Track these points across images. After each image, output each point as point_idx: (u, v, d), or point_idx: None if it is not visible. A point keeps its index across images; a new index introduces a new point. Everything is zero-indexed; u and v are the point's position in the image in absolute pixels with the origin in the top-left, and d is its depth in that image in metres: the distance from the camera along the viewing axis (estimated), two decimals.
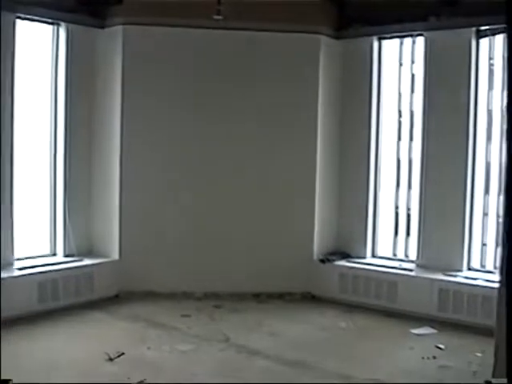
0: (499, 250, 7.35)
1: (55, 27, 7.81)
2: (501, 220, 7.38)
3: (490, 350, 5.97)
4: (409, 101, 8.24)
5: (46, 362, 5.83)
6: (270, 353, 6.28)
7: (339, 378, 5.67)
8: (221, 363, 6.04)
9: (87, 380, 5.45)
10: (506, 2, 3.59)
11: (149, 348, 6.33)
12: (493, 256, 7.56)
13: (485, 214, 7.67)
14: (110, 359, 5.93)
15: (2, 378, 4.77)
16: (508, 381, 3.80)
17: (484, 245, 7.67)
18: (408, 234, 8.29)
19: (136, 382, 5.37)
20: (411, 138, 8.20)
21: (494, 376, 4.16)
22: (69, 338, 6.63)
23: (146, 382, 5.38)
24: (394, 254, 8.36)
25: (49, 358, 5.98)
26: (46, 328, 6.83)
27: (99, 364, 5.84)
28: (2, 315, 6.45)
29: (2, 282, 6.71)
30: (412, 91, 8.18)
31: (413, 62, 8.16)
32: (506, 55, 3.61)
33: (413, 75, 8.17)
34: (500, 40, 7.41)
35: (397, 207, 8.41)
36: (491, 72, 7.56)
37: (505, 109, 3.83)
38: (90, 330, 6.96)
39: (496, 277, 7.20)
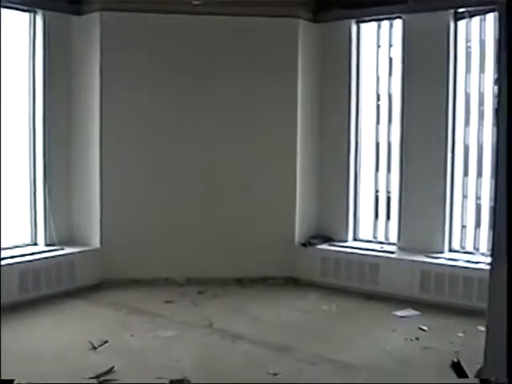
0: (479, 231, 7.48)
1: (31, 14, 7.72)
2: (482, 202, 7.49)
3: (472, 330, 6.07)
4: (387, 84, 8.25)
5: (29, 352, 5.80)
6: (254, 337, 6.30)
7: (322, 360, 5.70)
8: (204, 348, 6.05)
9: (71, 370, 5.42)
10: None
11: (132, 335, 6.32)
12: (472, 237, 7.62)
13: (464, 196, 7.72)
14: (94, 348, 5.92)
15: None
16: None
17: (464, 226, 7.72)
18: (388, 217, 8.32)
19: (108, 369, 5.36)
20: (390, 122, 8.22)
21: (481, 373, 4.18)
22: (51, 328, 6.61)
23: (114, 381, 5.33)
24: (375, 237, 8.39)
25: (31, 347, 5.95)
26: (28, 318, 6.80)
27: (83, 353, 5.83)
28: None
29: None
30: (390, 74, 8.20)
31: (391, 46, 8.17)
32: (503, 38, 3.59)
33: (391, 58, 8.18)
34: (477, 22, 7.44)
35: (377, 190, 8.44)
36: (469, 54, 7.59)
37: (495, 91, 3.84)
38: (72, 318, 6.93)
39: (476, 258, 7.31)
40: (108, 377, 5.27)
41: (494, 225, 3.97)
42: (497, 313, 3.93)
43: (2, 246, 7.42)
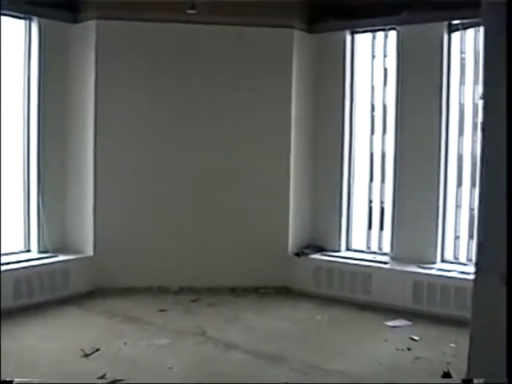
0: (472, 242, 7.50)
1: (27, 22, 7.75)
2: (475, 213, 7.50)
3: (464, 340, 6.03)
4: (382, 94, 8.29)
5: (21, 359, 5.80)
6: (247, 346, 6.31)
7: (314, 369, 5.71)
8: (197, 357, 6.06)
9: (62, 377, 5.40)
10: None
11: (125, 343, 6.32)
12: (466, 248, 7.64)
13: (458, 207, 7.75)
14: (86, 355, 5.92)
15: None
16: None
17: (457, 237, 7.75)
18: (382, 227, 8.34)
19: (110, 380, 5.36)
20: (384, 132, 8.25)
21: (468, 375, 4.19)
22: (44, 335, 6.60)
23: (121, 381, 5.36)
24: (368, 247, 8.41)
25: (23, 354, 5.95)
26: (21, 324, 6.79)
27: (75, 360, 5.82)
28: None
29: None
30: (385, 85, 8.23)
31: (385, 56, 8.21)
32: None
33: (385, 69, 8.22)
34: (471, 34, 7.49)
35: (370, 201, 8.47)
36: (463, 66, 7.63)
37: (481, 102, 3.84)
38: (65, 326, 6.93)
39: (469, 268, 7.30)
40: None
41: (478, 236, 4.00)
42: (481, 322, 3.96)
43: None
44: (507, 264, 3.65)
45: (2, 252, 7.55)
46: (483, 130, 3.76)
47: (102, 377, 5.39)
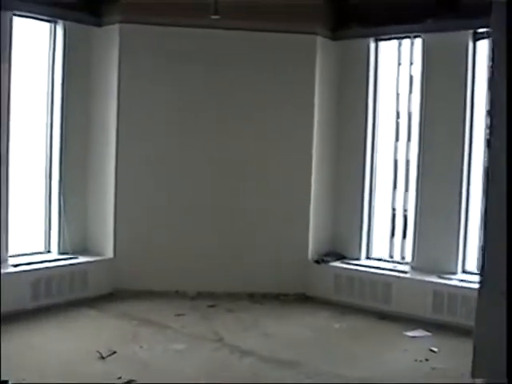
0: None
1: (52, 25, 7.81)
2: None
3: None
4: (407, 102, 8.23)
5: (37, 360, 5.82)
6: (263, 353, 6.27)
7: (331, 378, 5.66)
8: (212, 363, 6.03)
9: (78, 379, 5.42)
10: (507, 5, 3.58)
11: (141, 347, 6.32)
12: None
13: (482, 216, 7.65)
14: (102, 358, 5.92)
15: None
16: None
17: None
18: (404, 235, 8.27)
19: (125, 381, 5.36)
20: (409, 139, 8.19)
21: (473, 376, 4.16)
22: (61, 336, 6.62)
23: (135, 382, 5.36)
24: (391, 256, 8.35)
25: (40, 355, 5.96)
26: (39, 325, 6.82)
27: (91, 362, 5.83)
28: None
29: None
30: (410, 92, 8.17)
31: (411, 64, 8.15)
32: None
33: (411, 76, 8.16)
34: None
35: (394, 209, 8.40)
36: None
37: (487, 122, 3.80)
38: (82, 328, 6.95)
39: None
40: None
41: (483, 248, 3.95)
42: (485, 329, 3.94)
43: (16, 253, 7.51)
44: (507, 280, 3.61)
45: (22, 252, 7.64)
46: (489, 146, 3.72)
47: (118, 379, 5.39)
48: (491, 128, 3.66)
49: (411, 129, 8.16)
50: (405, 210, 8.30)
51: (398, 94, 8.34)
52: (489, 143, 3.65)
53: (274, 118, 8.30)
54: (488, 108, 3.65)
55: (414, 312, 7.43)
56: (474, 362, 4.12)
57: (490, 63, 3.78)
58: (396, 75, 8.32)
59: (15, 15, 7.24)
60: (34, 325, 6.81)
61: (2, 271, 6.99)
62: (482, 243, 3.94)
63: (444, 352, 6.43)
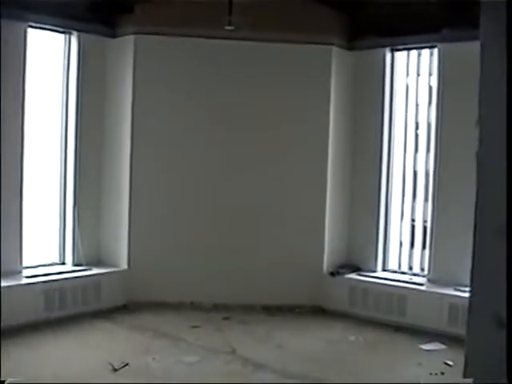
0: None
1: (67, 36, 7.84)
2: None
3: None
4: (426, 113, 8.18)
5: (50, 372, 5.79)
6: (276, 366, 6.22)
7: None
8: (225, 376, 5.98)
9: None
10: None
11: (154, 359, 6.29)
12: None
13: None
14: (114, 370, 5.90)
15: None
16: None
17: None
18: (424, 247, 8.18)
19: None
20: (428, 150, 8.13)
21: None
22: (74, 348, 6.61)
23: None
24: (410, 267, 8.28)
25: (52, 367, 5.95)
26: (52, 337, 6.81)
27: (103, 374, 5.81)
28: (7, 323, 6.45)
29: (8, 290, 6.71)
30: (429, 103, 8.11)
31: (430, 74, 8.10)
32: None
33: (430, 87, 8.11)
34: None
35: (413, 220, 8.33)
36: None
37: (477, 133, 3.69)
38: (96, 339, 6.94)
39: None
40: None
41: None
42: (477, 337, 3.85)
43: (30, 264, 7.51)
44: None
45: (36, 263, 7.64)
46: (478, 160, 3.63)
47: None
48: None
49: (430, 140, 8.09)
50: (424, 221, 8.22)
51: (417, 105, 8.27)
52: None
53: (290, 127, 8.26)
54: (477, 119, 3.57)
55: (429, 325, 7.35)
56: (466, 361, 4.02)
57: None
58: (415, 86, 8.26)
59: (30, 27, 7.27)
60: (47, 336, 6.80)
61: (16, 282, 7.00)
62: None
63: (459, 366, 6.30)
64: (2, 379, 4.87)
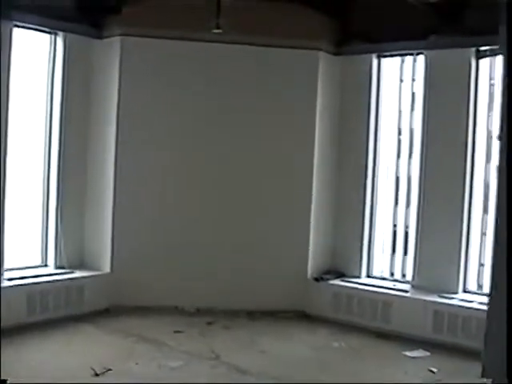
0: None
1: (52, 36, 7.77)
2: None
3: None
4: (409, 118, 8.18)
5: (30, 376, 5.69)
6: (260, 371, 6.19)
7: None
8: (208, 381, 5.94)
9: None
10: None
11: (137, 363, 6.24)
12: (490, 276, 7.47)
13: (483, 234, 7.59)
14: (96, 375, 5.84)
15: None
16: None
17: (482, 265, 7.57)
18: (406, 252, 8.19)
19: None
20: (410, 156, 8.14)
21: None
22: (56, 352, 6.53)
23: None
24: (392, 273, 8.27)
25: (33, 371, 5.86)
26: (34, 341, 6.73)
27: (84, 379, 5.74)
28: None
29: None
30: (412, 109, 8.12)
31: (413, 80, 8.11)
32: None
33: (413, 93, 8.12)
34: (500, 60, 7.37)
35: (394, 225, 8.33)
36: (491, 92, 7.51)
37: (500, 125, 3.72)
38: (78, 343, 6.86)
39: None
40: None
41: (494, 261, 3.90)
42: (494, 337, 3.89)
43: (11, 267, 7.43)
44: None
45: (18, 266, 7.56)
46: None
47: None
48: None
49: (413, 146, 8.11)
50: (406, 227, 8.22)
51: (400, 111, 8.28)
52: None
53: (276, 131, 8.25)
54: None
55: (413, 331, 7.34)
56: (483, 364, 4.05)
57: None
58: (398, 92, 8.27)
59: (15, 26, 7.20)
60: (30, 340, 6.72)
61: None
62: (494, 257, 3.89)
63: (443, 373, 6.33)
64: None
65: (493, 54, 7.35)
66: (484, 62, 7.49)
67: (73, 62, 7.85)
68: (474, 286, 7.60)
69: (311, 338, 7.49)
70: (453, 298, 7.36)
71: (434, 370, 6.39)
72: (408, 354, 6.91)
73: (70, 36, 7.78)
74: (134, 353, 6.58)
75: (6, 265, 7.34)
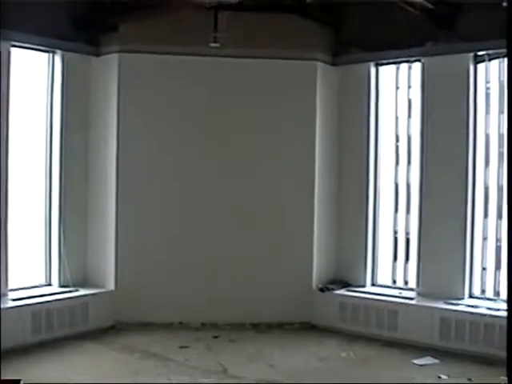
0: (499, 274, 7.33)
1: (50, 55, 7.79)
2: (502, 244, 7.34)
3: (492, 379, 5.84)
4: (406, 125, 8.20)
5: None
6: None
7: None
8: None
9: None
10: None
11: (144, 380, 6.19)
12: (492, 280, 7.48)
13: (484, 239, 7.58)
14: None
15: None
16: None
17: (484, 269, 7.56)
18: (407, 258, 8.17)
19: None
20: (409, 163, 8.14)
21: None
22: (62, 370, 6.49)
23: None
24: (394, 281, 8.25)
25: None
26: (40, 360, 6.70)
27: None
28: None
29: None
30: (409, 116, 8.14)
31: (409, 87, 8.13)
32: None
33: (409, 100, 8.13)
34: (496, 65, 7.39)
35: (395, 232, 8.32)
36: (488, 96, 7.53)
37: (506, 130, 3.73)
38: (84, 361, 6.83)
39: (497, 304, 7.10)
40: None
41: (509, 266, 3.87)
42: None
43: (16, 287, 7.41)
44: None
45: (23, 285, 7.54)
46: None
47: None
48: None
49: (411, 152, 8.11)
50: (407, 233, 8.21)
51: (397, 118, 8.29)
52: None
53: (276, 143, 8.24)
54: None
55: (421, 339, 7.32)
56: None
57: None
58: (395, 99, 8.28)
59: (13, 46, 7.22)
60: (35, 359, 6.69)
61: (2, 305, 6.88)
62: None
63: (453, 380, 6.30)
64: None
65: (489, 58, 7.37)
66: (481, 67, 7.49)
67: (71, 80, 7.87)
68: (478, 290, 7.59)
69: (318, 349, 7.44)
70: (459, 304, 7.34)
71: (444, 376, 6.36)
72: (416, 361, 6.87)
73: (68, 54, 7.80)
74: (141, 369, 6.55)
75: (11, 285, 7.32)
